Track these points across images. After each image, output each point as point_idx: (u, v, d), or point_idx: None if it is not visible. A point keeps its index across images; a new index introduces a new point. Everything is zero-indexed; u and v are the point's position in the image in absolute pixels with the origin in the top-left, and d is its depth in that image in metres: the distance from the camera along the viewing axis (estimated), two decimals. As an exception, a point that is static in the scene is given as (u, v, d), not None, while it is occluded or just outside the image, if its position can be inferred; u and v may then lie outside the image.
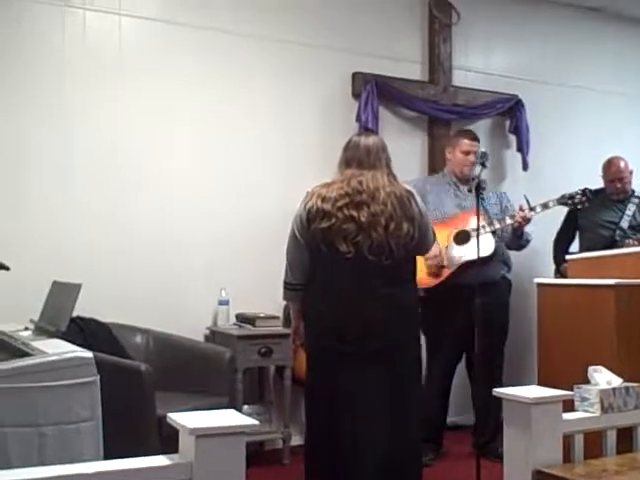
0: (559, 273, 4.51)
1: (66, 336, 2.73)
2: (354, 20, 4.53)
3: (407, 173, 3.80)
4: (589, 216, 4.45)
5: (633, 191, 4.51)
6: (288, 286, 2.99)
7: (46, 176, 3.74)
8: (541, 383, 3.04)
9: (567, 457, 2.34)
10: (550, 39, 5.19)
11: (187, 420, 1.84)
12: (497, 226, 3.93)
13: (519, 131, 4.92)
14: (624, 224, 4.38)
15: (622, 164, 4.46)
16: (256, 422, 1.90)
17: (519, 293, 4.32)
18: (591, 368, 2.56)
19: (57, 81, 3.77)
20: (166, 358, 3.59)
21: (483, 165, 3.40)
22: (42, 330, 2.88)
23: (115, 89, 3.89)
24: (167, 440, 2.08)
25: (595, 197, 4.12)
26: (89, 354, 2.31)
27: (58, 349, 2.42)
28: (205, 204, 4.09)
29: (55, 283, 3.12)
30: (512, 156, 5.01)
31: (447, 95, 4.75)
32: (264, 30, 4.25)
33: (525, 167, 4.92)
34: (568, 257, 3.96)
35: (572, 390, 2.49)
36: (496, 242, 3.95)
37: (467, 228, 3.85)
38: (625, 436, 2.52)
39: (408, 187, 2.97)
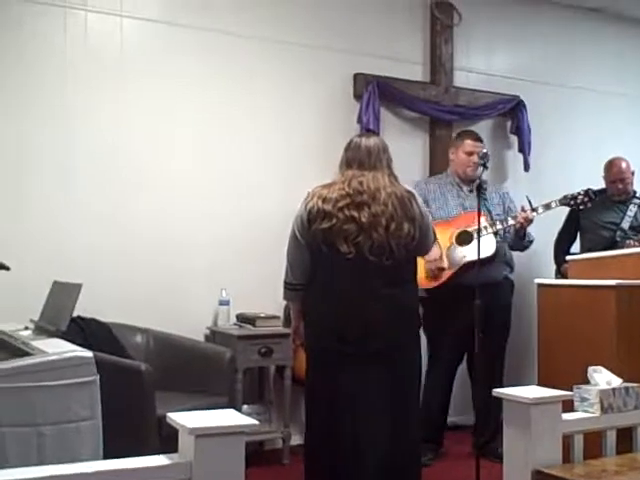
0: (560, 274, 4.51)
1: (66, 336, 2.73)
2: (355, 21, 4.53)
3: (408, 174, 3.82)
4: (590, 217, 4.45)
5: (634, 192, 4.51)
6: (288, 286, 2.99)
7: (48, 177, 3.75)
8: (541, 383, 3.04)
9: (567, 457, 2.34)
10: (551, 40, 5.19)
11: (186, 420, 1.84)
12: (499, 227, 3.93)
13: (520, 132, 4.92)
14: (625, 225, 4.38)
15: (624, 165, 4.46)
16: (255, 422, 1.91)
17: (519, 293, 4.32)
18: (591, 368, 2.56)
19: (59, 82, 3.78)
20: (166, 358, 3.59)
21: (484, 166, 3.41)
22: (42, 330, 2.88)
23: (116, 90, 3.90)
24: (167, 440, 2.08)
25: (597, 198, 4.12)
26: (89, 354, 2.31)
27: (58, 349, 2.42)
28: (206, 205, 4.10)
29: (55, 283, 3.13)
30: (513, 157, 5.01)
31: (448, 96, 4.75)
32: (265, 31, 4.26)
33: (526, 168, 4.92)
34: (569, 258, 3.95)
35: (572, 390, 2.49)
36: (498, 243, 3.95)
37: (469, 229, 3.85)
38: (625, 436, 2.52)
39: (409, 188, 2.97)
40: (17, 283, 3.36)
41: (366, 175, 2.88)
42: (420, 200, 2.96)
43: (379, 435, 2.78)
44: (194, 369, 3.57)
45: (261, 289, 4.05)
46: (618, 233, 4.38)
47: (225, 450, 1.82)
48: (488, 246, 3.84)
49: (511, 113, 4.94)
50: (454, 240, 3.94)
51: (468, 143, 4.13)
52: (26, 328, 3.04)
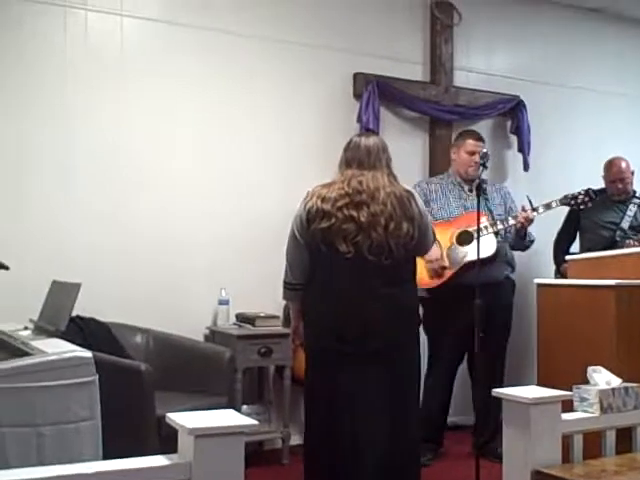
0: (559, 273, 4.51)
1: (65, 336, 2.73)
2: (355, 21, 4.53)
3: (408, 174, 3.81)
4: (590, 217, 4.45)
5: (634, 192, 4.51)
6: (288, 286, 2.99)
7: (48, 176, 3.75)
8: (541, 383, 3.03)
9: (566, 457, 2.35)
10: (551, 40, 5.19)
11: (186, 420, 1.85)
12: (500, 227, 3.93)
13: (520, 132, 4.92)
14: (625, 225, 4.38)
15: (623, 165, 4.46)
16: (255, 422, 1.91)
17: (519, 293, 4.32)
18: (590, 368, 2.56)
19: (59, 82, 3.78)
20: (166, 358, 3.59)
21: (484, 166, 3.41)
22: (41, 330, 2.88)
23: (117, 90, 3.90)
24: (166, 440, 2.08)
25: (597, 198, 4.12)
26: (88, 354, 2.31)
27: (57, 349, 2.42)
28: (206, 204, 4.10)
29: (55, 283, 3.13)
30: (513, 157, 5.01)
31: (448, 96, 4.75)
32: (266, 31, 4.26)
33: (526, 168, 4.92)
34: (568, 257, 3.95)
35: (571, 390, 2.49)
36: (499, 243, 3.95)
37: (469, 229, 3.85)
38: (624, 436, 2.52)
39: (408, 187, 2.97)
40: (17, 283, 3.37)
41: (365, 175, 2.88)
42: (419, 200, 2.96)
43: (378, 434, 2.78)
44: (194, 369, 3.57)
45: (261, 289, 4.05)
46: (618, 233, 4.38)
47: (224, 450, 1.82)
48: (489, 246, 3.85)
49: (511, 113, 4.94)
50: (454, 240, 3.94)
51: (470, 143, 4.13)
52: (25, 328, 3.04)
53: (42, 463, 2.03)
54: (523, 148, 4.91)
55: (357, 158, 2.93)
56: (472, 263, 3.61)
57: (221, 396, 3.41)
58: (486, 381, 3.46)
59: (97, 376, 2.29)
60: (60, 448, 2.13)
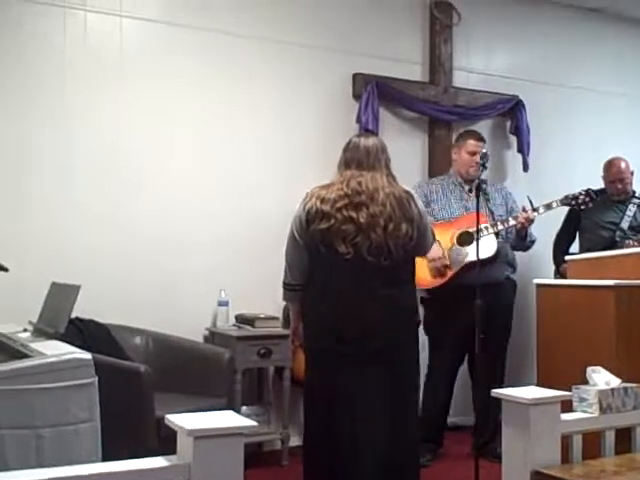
0: (559, 274, 4.51)
1: (65, 337, 2.73)
2: (355, 21, 4.53)
3: (407, 174, 3.81)
4: (590, 217, 4.45)
5: (634, 192, 4.51)
6: (287, 287, 2.99)
7: (47, 177, 3.75)
8: (540, 383, 3.03)
9: (565, 458, 2.34)
10: (550, 40, 5.19)
11: (185, 421, 1.84)
12: (500, 227, 3.93)
13: (520, 132, 4.91)
14: (624, 225, 4.38)
15: (623, 165, 4.46)
16: (254, 423, 1.90)
17: (519, 293, 4.31)
18: (590, 369, 2.56)
19: (58, 82, 3.78)
20: (165, 359, 3.59)
21: (483, 166, 3.41)
22: (41, 331, 2.88)
23: (116, 90, 3.90)
24: (166, 441, 2.07)
25: (598, 198, 4.11)
26: (88, 355, 2.31)
27: (57, 350, 2.42)
28: (206, 205, 4.10)
29: (54, 284, 3.13)
30: (513, 157, 5.01)
31: (448, 96, 4.75)
32: (265, 31, 4.26)
33: (526, 168, 4.91)
34: (568, 258, 3.95)
35: (571, 391, 2.49)
36: (499, 243, 3.95)
37: (470, 229, 3.85)
38: (623, 437, 2.52)
39: (407, 188, 2.97)
40: (16, 284, 3.36)
41: (365, 175, 2.88)
42: (419, 200, 2.96)
43: (378, 435, 2.78)
44: (193, 370, 3.57)
45: (260, 290, 4.05)
46: (617, 233, 4.38)
47: (224, 451, 1.81)
48: (489, 246, 3.85)
49: (510, 113, 4.94)
50: (455, 241, 3.94)
51: (471, 143, 4.13)
52: (25, 330, 3.04)
53: (41, 465, 2.03)
54: (522, 148, 4.91)
55: (356, 159, 2.93)
56: (473, 263, 3.61)
57: (220, 397, 3.41)
58: (486, 381, 3.46)
59: (96, 378, 2.29)
60: (59, 450, 2.13)
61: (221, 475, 1.81)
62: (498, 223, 3.93)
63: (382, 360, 2.80)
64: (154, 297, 3.91)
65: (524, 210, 3.93)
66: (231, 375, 3.65)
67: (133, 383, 2.92)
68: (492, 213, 4.00)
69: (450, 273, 3.89)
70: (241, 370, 3.79)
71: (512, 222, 3.95)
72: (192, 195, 4.08)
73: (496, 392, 2.40)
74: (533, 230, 4.08)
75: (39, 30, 3.75)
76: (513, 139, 4.99)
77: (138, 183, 3.95)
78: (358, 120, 4.41)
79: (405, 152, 4.47)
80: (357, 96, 4.48)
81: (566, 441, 2.37)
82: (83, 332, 3.34)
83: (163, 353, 3.65)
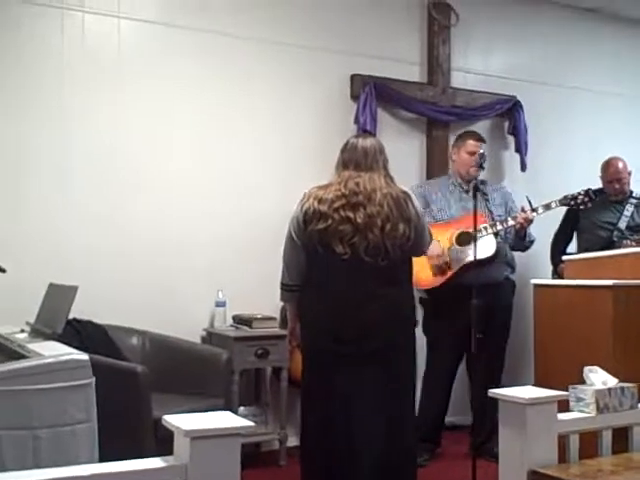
0: (556, 274, 4.51)
1: (62, 338, 2.73)
2: (353, 22, 4.53)
3: (405, 175, 3.82)
4: (588, 217, 4.45)
5: (631, 192, 4.51)
6: (285, 287, 3.00)
7: (45, 178, 3.75)
8: (537, 383, 3.04)
9: (562, 457, 2.35)
10: (548, 40, 5.20)
11: (182, 422, 1.84)
12: (499, 227, 3.93)
13: (517, 132, 4.92)
14: (622, 225, 4.38)
15: (621, 165, 4.46)
16: (251, 424, 1.91)
17: (516, 293, 4.32)
18: (587, 368, 2.56)
19: (56, 84, 3.78)
20: (162, 360, 3.59)
21: (480, 166, 3.42)
22: (38, 332, 2.88)
23: (114, 92, 3.90)
24: (163, 442, 2.08)
25: (597, 198, 4.12)
26: (85, 356, 2.31)
27: (54, 351, 2.42)
28: (203, 206, 4.10)
29: (51, 285, 3.13)
30: (510, 157, 5.01)
31: (446, 96, 4.75)
32: (263, 33, 4.26)
33: (523, 168, 4.92)
34: (565, 258, 3.95)
35: (568, 390, 2.49)
36: (498, 243, 3.95)
37: (469, 229, 3.86)
38: (620, 436, 2.52)
39: (405, 188, 2.97)
40: (14, 285, 3.36)
41: (362, 176, 2.89)
42: (416, 201, 2.96)
43: (374, 435, 2.78)
44: (190, 371, 3.57)
45: (257, 290, 4.05)
46: (615, 233, 4.38)
47: (221, 452, 1.82)
48: (488, 246, 3.85)
49: (508, 113, 4.95)
50: (454, 241, 3.94)
51: (470, 143, 4.14)
52: (22, 331, 3.04)
53: (38, 466, 2.03)
54: (520, 148, 4.92)
55: (354, 159, 2.94)
56: (472, 263, 3.62)
57: (218, 398, 3.40)
58: (484, 381, 3.46)
59: (94, 378, 2.29)
60: (56, 451, 2.13)
61: (218, 476, 1.81)
62: (497, 223, 3.94)
63: (379, 360, 2.81)
64: (151, 298, 3.91)
65: (523, 210, 3.93)
66: (228, 376, 3.65)
67: (130, 384, 2.92)
68: (491, 213, 4.00)
69: (450, 272, 3.89)
70: (238, 371, 3.80)
71: (511, 222, 3.95)
72: (190, 196, 4.08)
73: (493, 392, 2.40)
74: (532, 230, 4.08)
75: (37, 31, 3.75)
76: (511, 139, 4.99)
77: (136, 184, 3.95)
78: (356, 121, 4.42)
79: (403, 153, 4.48)
80: (355, 97, 4.48)
81: (563, 441, 2.37)
82: (80, 333, 3.34)
83: (160, 354, 3.65)
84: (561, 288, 3.62)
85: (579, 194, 3.99)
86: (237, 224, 4.16)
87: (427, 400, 3.94)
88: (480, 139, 4.19)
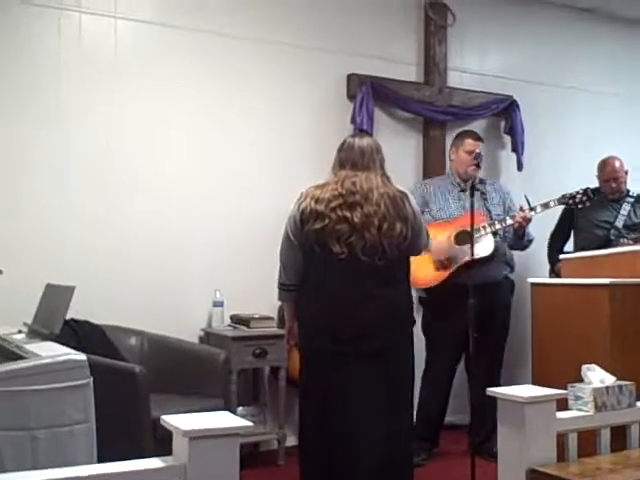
0: (554, 273, 4.51)
1: (60, 339, 2.73)
2: (349, 22, 4.54)
3: (402, 174, 3.82)
4: (585, 216, 4.46)
5: (628, 191, 4.52)
6: (282, 287, 3.00)
7: (42, 179, 3.75)
8: (535, 382, 3.04)
9: (561, 456, 2.35)
10: (544, 40, 5.21)
11: (180, 422, 1.84)
12: (498, 227, 3.93)
13: (514, 132, 4.93)
14: (619, 224, 4.40)
15: (617, 164, 4.47)
16: (249, 424, 1.90)
17: (515, 293, 4.33)
18: (584, 367, 2.56)
19: (53, 84, 3.78)
20: (160, 360, 3.59)
21: (477, 165, 3.42)
22: (36, 333, 2.88)
23: (111, 92, 3.90)
24: (162, 442, 2.07)
25: (595, 197, 4.12)
26: (82, 357, 2.31)
27: (51, 352, 2.42)
28: (200, 206, 4.10)
29: (49, 286, 3.13)
30: (507, 156, 5.02)
31: (442, 96, 4.76)
32: (259, 33, 4.26)
33: (520, 167, 4.92)
34: (562, 256, 3.96)
35: (566, 389, 2.50)
36: (497, 242, 3.95)
37: (468, 229, 3.85)
38: (619, 434, 2.53)
39: (402, 188, 2.97)
40: (11, 285, 3.36)
41: (359, 175, 2.88)
42: (413, 200, 2.96)
43: (372, 435, 2.78)
44: (188, 371, 3.57)
45: (255, 290, 4.05)
46: (612, 232, 4.39)
47: (219, 452, 1.82)
48: (486, 246, 3.85)
49: (505, 113, 4.96)
50: (453, 240, 3.94)
51: (469, 142, 4.14)
52: (19, 331, 3.04)
53: (36, 467, 2.03)
54: (517, 148, 4.92)
55: (351, 159, 2.93)
56: (470, 262, 3.62)
57: (216, 398, 3.40)
58: (483, 380, 3.47)
59: (91, 379, 2.29)
60: (54, 451, 2.13)
61: (217, 476, 1.81)
62: (496, 222, 3.94)
63: (376, 360, 2.80)
64: (149, 298, 3.91)
65: (521, 209, 3.94)
66: (226, 375, 3.65)
67: (128, 384, 2.91)
68: (490, 212, 4.00)
69: (451, 269, 3.90)
70: (236, 370, 3.79)
71: (509, 221, 3.95)
72: (187, 196, 4.08)
73: (491, 391, 2.40)
74: (530, 229, 4.08)
75: (34, 32, 3.74)
76: (507, 139, 5.00)
77: (133, 185, 3.95)
78: (353, 121, 4.42)
79: (400, 152, 4.48)
80: (352, 97, 4.48)
81: (561, 439, 2.37)
82: (78, 333, 3.33)
83: (158, 354, 3.65)
84: (558, 287, 3.62)
85: (577, 193, 3.99)
86: (234, 224, 4.16)
87: (426, 400, 3.94)
88: (478, 138, 4.20)
